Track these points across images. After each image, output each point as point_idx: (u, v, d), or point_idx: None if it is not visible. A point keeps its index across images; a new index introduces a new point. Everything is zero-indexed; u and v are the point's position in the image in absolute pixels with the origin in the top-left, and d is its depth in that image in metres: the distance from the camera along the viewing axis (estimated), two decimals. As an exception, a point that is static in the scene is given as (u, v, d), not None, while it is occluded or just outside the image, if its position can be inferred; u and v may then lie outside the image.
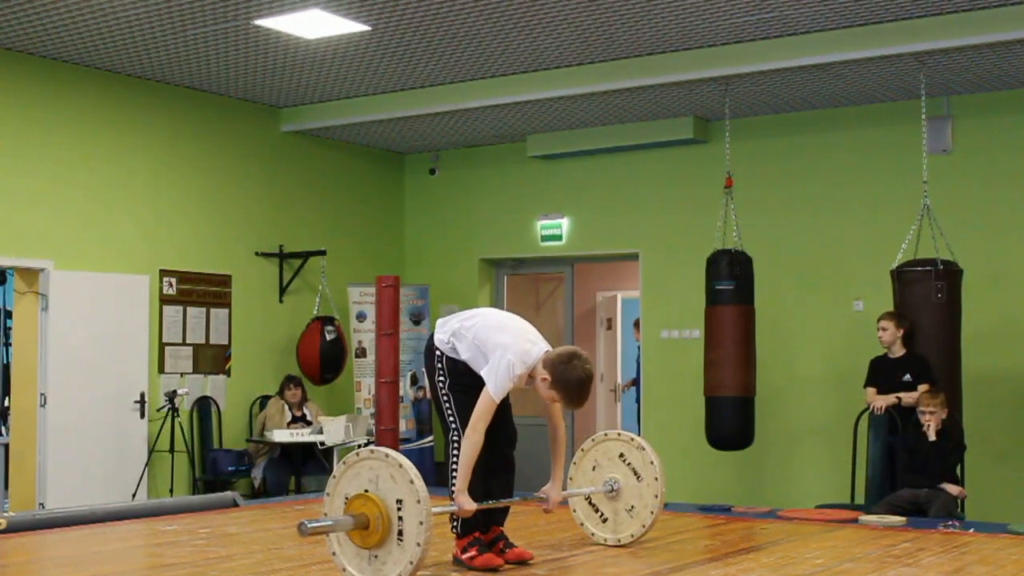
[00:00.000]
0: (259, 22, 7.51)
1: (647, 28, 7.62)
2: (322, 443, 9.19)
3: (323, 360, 9.85)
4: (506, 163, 11.02)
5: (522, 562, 4.50)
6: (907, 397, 7.28)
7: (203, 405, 9.48)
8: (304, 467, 9.46)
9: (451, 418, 4.50)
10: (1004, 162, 8.77)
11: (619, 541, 5.05)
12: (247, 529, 5.49)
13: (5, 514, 5.37)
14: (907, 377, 7.40)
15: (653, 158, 10.20)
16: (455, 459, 4.40)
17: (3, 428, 9.38)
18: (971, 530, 5.34)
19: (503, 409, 4.52)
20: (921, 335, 7.55)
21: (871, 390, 7.58)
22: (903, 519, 5.67)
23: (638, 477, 5.04)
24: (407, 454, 9.34)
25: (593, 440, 5.22)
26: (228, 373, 9.72)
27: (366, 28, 7.61)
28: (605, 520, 5.12)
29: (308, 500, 6.80)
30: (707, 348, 8.42)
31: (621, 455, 5.10)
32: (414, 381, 10.49)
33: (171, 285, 9.29)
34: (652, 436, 10.14)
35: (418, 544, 3.90)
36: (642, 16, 7.38)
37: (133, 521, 5.61)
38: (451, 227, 11.24)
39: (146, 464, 8.73)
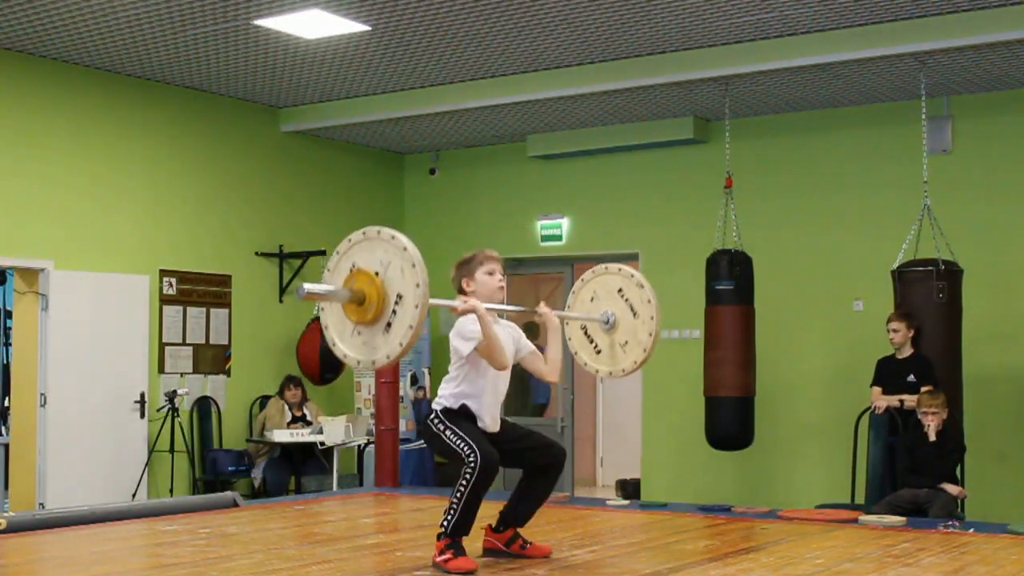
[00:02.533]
0: (259, 22, 7.51)
1: (647, 28, 7.62)
2: (322, 443, 9.19)
3: (323, 360, 9.85)
4: (506, 163, 11.02)
5: (544, 556, 4.54)
6: (909, 400, 7.28)
7: (203, 405, 9.48)
8: (304, 467, 9.46)
9: (461, 443, 4.32)
10: (1004, 162, 8.77)
11: (611, 374, 5.10)
12: (247, 529, 5.49)
13: (5, 514, 5.37)
14: (911, 378, 7.40)
15: (653, 158, 10.20)
16: (464, 482, 4.27)
17: (3, 428, 9.38)
18: (971, 530, 5.34)
19: (525, 437, 4.58)
20: (922, 335, 7.55)
21: (876, 390, 7.58)
22: (903, 519, 5.66)
23: (635, 313, 5.03)
24: (406, 455, 9.37)
25: (593, 272, 5.21)
26: (228, 373, 9.72)
27: (366, 28, 7.61)
28: (599, 352, 5.13)
29: (308, 500, 6.80)
30: (707, 348, 8.42)
31: (620, 290, 5.09)
32: (414, 381, 10.49)
33: (171, 285, 9.29)
34: (652, 436, 10.16)
35: (410, 327, 3.93)
36: (642, 16, 7.38)
37: (133, 521, 5.60)
38: (451, 227, 11.23)
39: (146, 464, 8.73)
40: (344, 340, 4.13)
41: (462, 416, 4.40)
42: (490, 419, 4.47)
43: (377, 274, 4.03)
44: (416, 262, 3.98)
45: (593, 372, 5.24)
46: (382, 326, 4.02)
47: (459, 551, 4.28)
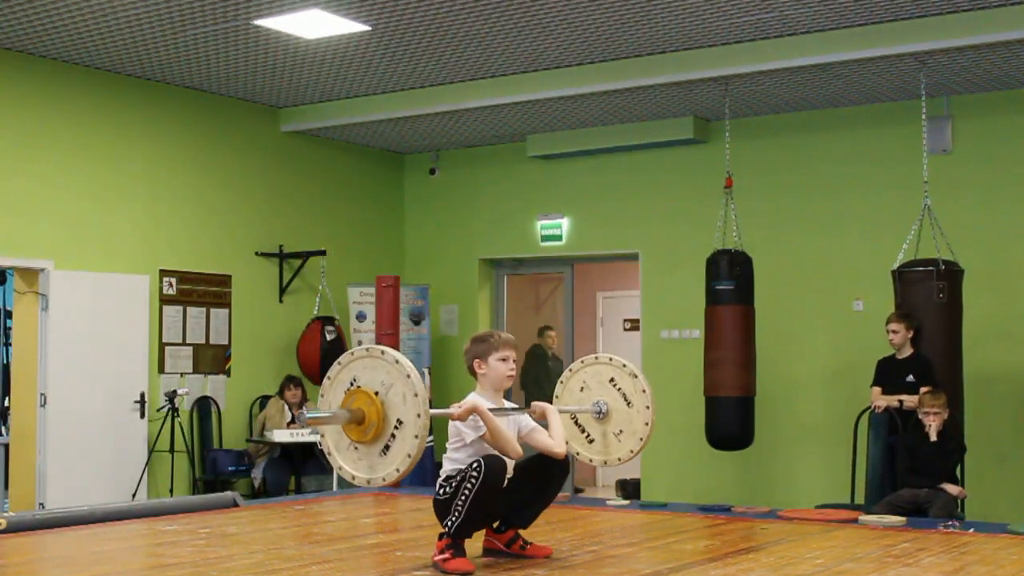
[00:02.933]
0: (259, 22, 7.51)
1: (647, 28, 7.62)
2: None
3: (323, 360, 9.84)
4: (506, 163, 11.02)
5: (545, 557, 4.53)
6: (909, 400, 7.28)
7: (203, 405, 9.48)
8: (304, 467, 9.46)
9: (459, 474, 4.32)
10: (1004, 162, 8.77)
11: (605, 463, 5.16)
12: (247, 529, 5.48)
13: (5, 514, 5.36)
14: (910, 378, 7.41)
15: (653, 158, 10.20)
16: (469, 486, 4.24)
17: (3, 428, 9.38)
18: (971, 530, 5.34)
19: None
20: (922, 336, 7.55)
21: (876, 390, 7.59)
22: (903, 519, 5.66)
23: (628, 403, 5.06)
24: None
25: (583, 362, 5.23)
26: (228, 373, 9.72)
27: (366, 28, 7.61)
28: (592, 441, 5.16)
29: (308, 500, 6.80)
30: (707, 348, 8.42)
31: (612, 380, 5.12)
32: (414, 381, 10.47)
33: (171, 285, 9.29)
34: (652, 436, 10.13)
35: (408, 455, 3.98)
36: (642, 16, 7.38)
37: (133, 521, 5.60)
38: (451, 227, 11.24)
39: (146, 464, 8.73)
40: (340, 453, 4.19)
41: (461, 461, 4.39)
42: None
43: (377, 394, 4.08)
44: (419, 391, 4.01)
45: (587, 461, 5.26)
46: (379, 448, 4.07)
47: (459, 552, 4.28)
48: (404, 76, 8.85)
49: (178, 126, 9.36)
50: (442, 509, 4.35)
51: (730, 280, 8.27)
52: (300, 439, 9.18)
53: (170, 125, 9.30)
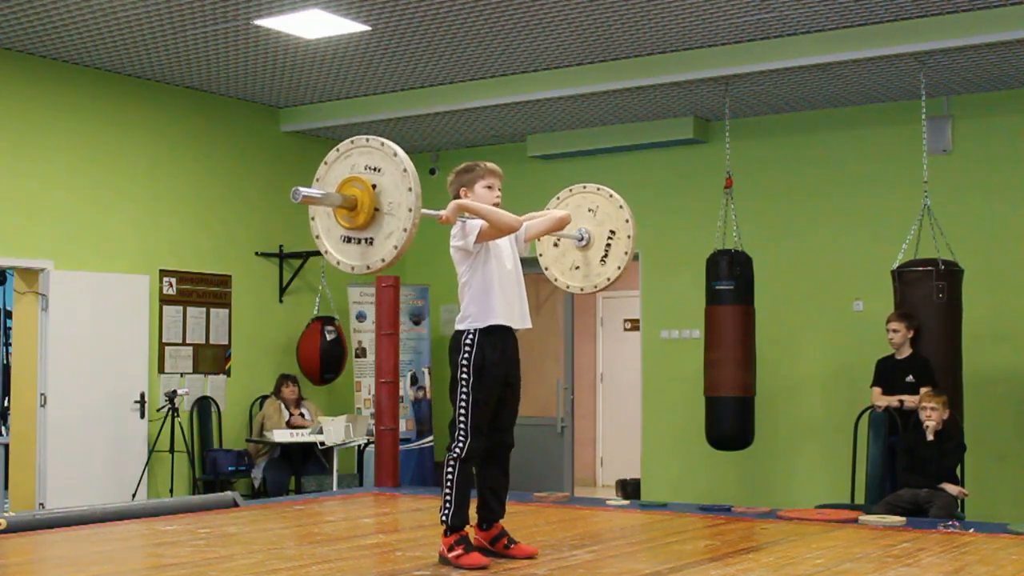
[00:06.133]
0: (259, 22, 7.51)
1: (647, 28, 7.62)
2: (322, 443, 9.19)
3: (323, 360, 9.86)
4: (506, 163, 10.88)
5: (529, 557, 4.49)
6: (909, 400, 7.28)
7: (203, 405, 9.48)
8: (304, 467, 9.45)
9: (463, 420, 4.33)
10: (1004, 162, 8.77)
11: (582, 290, 5.22)
12: (247, 529, 5.48)
13: (5, 514, 5.36)
14: (910, 378, 7.41)
15: (653, 158, 10.20)
16: (450, 471, 4.32)
17: (3, 428, 9.38)
18: (971, 530, 5.34)
19: (509, 404, 4.50)
20: (922, 335, 7.55)
21: (876, 390, 7.59)
22: (903, 519, 5.66)
23: (611, 231, 5.13)
24: (406, 455, 9.38)
25: (571, 191, 5.30)
26: (228, 373, 9.72)
27: (366, 28, 7.61)
28: (576, 268, 5.20)
29: (308, 500, 6.80)
30: (707, 348, 8.41)
31: (590, 210, 5.19)
32: (414, 381, 10.49)
33: (171, 285, 9.30)
34: (652, 436, 10.15)
35: (409, 210, 4.01)
36: (642, 16, 7.38)
37: (133, 521, 5.60)
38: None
39: (146, 464, 8.73)
40: (337, 248, 4.22)
41: (486, 372, 4.33)
42: (519, 314, 4.44)
43: (369, 181, 4.12)
44: (407, 167, 4.05)
45: (564, 288, 5.32)
46: (379, 224, 4.09)
47: (469, 546, 4.26)
48: (404, 76, 8.85)
49: (178, 126, 9.36)
50: (455, 363, 4.36)
51: (730, 280, 8.27)
52: (300, 439, 9.18)
53: (170, 125, 9.30)
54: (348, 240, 4.17)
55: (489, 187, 4.44)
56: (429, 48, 8.08)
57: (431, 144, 11.04)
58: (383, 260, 4.08)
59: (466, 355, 4.36)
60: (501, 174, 4.49)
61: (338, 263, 4.22)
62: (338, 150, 4.25)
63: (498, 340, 4.40)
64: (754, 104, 9.32)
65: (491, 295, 4.37)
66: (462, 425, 4.34)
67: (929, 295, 7.57)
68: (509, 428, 4.54)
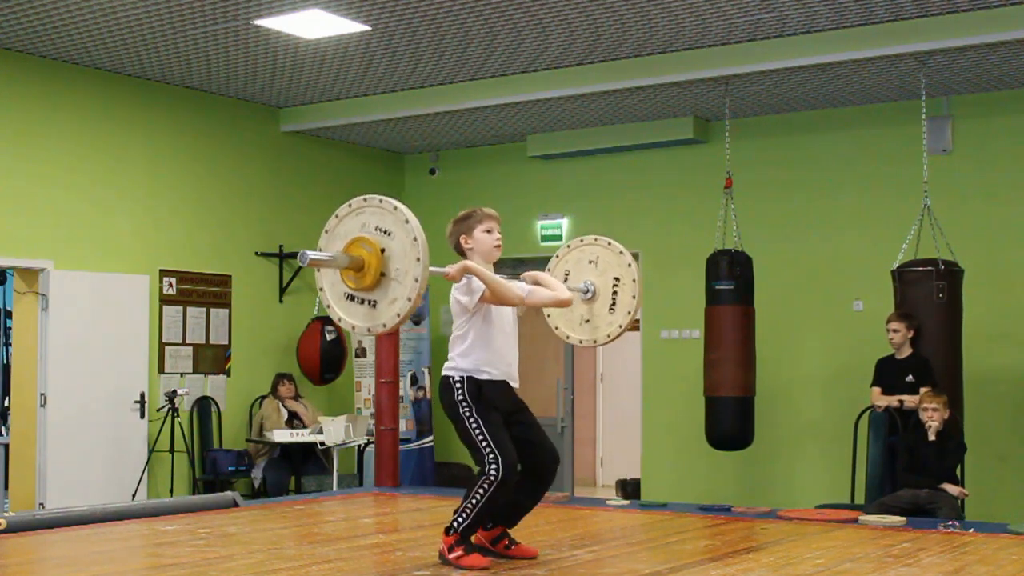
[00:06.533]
0: (259, 22, 7.51)
1: (647, 28, 7.62)
2: (322, 443, 9.19)
3: (323, 360, 9.86)
4: (506, 163, 11.01)
5: (529, 558, 4.47)
6: (909, 400, 7.28)
7: (203, 405, 9.48)
8: (304, 467, 9.45)
9: (485, 443, 4.27)
10: (1004, 162, 8.77)
11: (595, 342, 5.16)
12: (247, 529, 5.48)
13: (5, 514, 5.36)
14: (910, 378, 7.41)
15: (653, 158, 10.20)
16: (483, 489, 4.23)
17: (3, 428, 9.38)
18: (971, 530, 5.34)
19: (528, 423, 4.51)
20: (922, 335, 7.55)
21: (876, 390, 7.59)
22: (903, 519, 5.66)
23: (616, 279, 5.09)
24: (406, 455, 9.37)
25: (568, 247, 5.30)
26: (228, 373, 9.72)
27: (366, 28, 7.61)
28: (587, 322, 5.17)
29: (308, 500, 6.80)
30: (707, 348, 8.41)
31: (591, 262, 5.18)
32: (414, 381, 10.49)
33: (171, 285, 9.30)
34: (652, 436, 10.16)
35: (415, 280, 4.04)
36: (642, 16, 7.38)
37: (133, 521, 5.60)
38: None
39: (146, 464, 8.73)
40: (340, 305, 4.22)
41: (484, 398, 4.33)
42: (508, 368, 4.43)
43: (383, 251, 4.11)
44: (417, 235, 4.06)
45: (576, 343, 5.29)
46: (385, 288, 4.10)
47: (470, 547, 4.26)
48: (404, 76, 8.85)
49: (178, 126, 9.36)
50: (454, 418, 4.33)
51: (730, 280, 8.27)
52: (300, 439, 9.18)
53: (170, 125, 9.30)
54: (352, 299, 4.19)
55: (488, 231, 4.48)
56: (429, 48, 8.08)
57: (431, 144, 11.04)
58: (384, 325, 4.11)
59: (459, 390, 4.35)
60: (499, 218, 4.54)
61: (340, 319, 4.24)
62: (350, 205, 4.22)
63: (491, 386, 4.40)
64: (754, 104, 9.32)
65: (487, 352, 4.38)
66: (486, 446, 4.26)
67: (929, 295, 7.57)
68: (543, 442, 4.52)
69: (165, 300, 9.25)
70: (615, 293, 5.11)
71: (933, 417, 6.85)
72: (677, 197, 10.09)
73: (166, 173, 9.31)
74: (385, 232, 4.13)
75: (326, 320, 9.96)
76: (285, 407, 9.54)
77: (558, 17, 7.40)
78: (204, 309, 9.55)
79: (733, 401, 8.26)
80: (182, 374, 9.33)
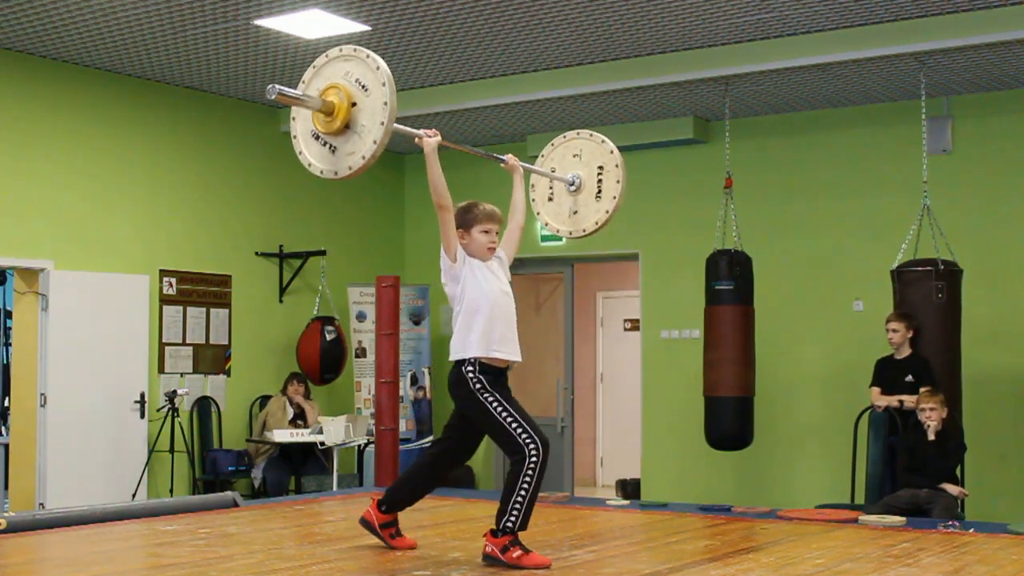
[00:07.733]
0: (259, 22, 7.51)
1: (647, 28, 7.62)
2: (322, 443, 9.19)
3: (323, 360, 9.86)
4: (506, 163, 10.99)
5: (409, 548, 4.60)
6: (909, 400, 7.28)
7: (203, 405, 9.48)
8: (304, 467, 9.46)
9: (515, 424, 4.20)
10: (1004, 162, 8.77)
11: (571, 234, 5.22)
12: (247, 529, 5.48)
13: (5, 514, 5.36)
14: (909, 378, 7.41)
15: (653, 158, 10.20)
16: (528, 476, 4.17)
17: (3, 428, 9.38)
18: (971, 530, 5.34)
19: (471, 430, 4.50)
20: (921, 335, 7.55)
21: (875, 390, 7.59)
22: (903, 519, 5.66)
23: (600, 168, 5.13)
24: (406, 455, 9.36)
25: (552, 145, 5.32)
26: (228, 373, 9.72)
27: (366, 28, 7.61)
28: (575, 213, 5.22)
29: (308, 500, 6.80)
30: (707, 348, 8.41)
31: (575, 155, 5.22)
32: (414, 381, 10.49)
33: (171, 285, 9.30)
34: (652, 436, 10.16)
35: (374, 142, 4.10)
36: (642, 16, 7.38)
37: (133, 521, 5.60)
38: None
39: (146, 464, 8.73)
40: (305, 141, 4.32)
41: (500, 380, 4.33)
42: (513, 343, 4.43)
43: (351, 97, 4.19)
44: (386, 80, 4.12)
45: (554, 231, 5.34)
46: (347, 138, 4.19)
47: (524, 546, 4.22)
48: (404, 76, 8.85)
49: (178, 126, 9.36)
50: (476, 410, 4.31)
51: (730, 280, 8.27)
52: (300, 439, 9.18)
53: (170, 125, 9.30)
54: (317, 138, 4.29)
55: (486, 231, 4.54)
56: (429, 48, 8.09)
57: (431, 144, 11.02)
58: (336, 173, 4.24)
59: (473, 379, 4.32)
60: (499, 218, 4.58)
61: (300, 153, 4.34)
62: (340, 50, 4.30)
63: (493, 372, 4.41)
64: (754, 104, 9.32)
65: (495, 336, 4.38)
66: (520, 431, 4.20)
67: (929, 295, 7.57)
68: (460, 459, 4.65)
69: (165, 300, 9.25)
70: (600, 181, 5.17)
71: (931, 417, 6.85)
72: (677, 197, 10.10)
73: (166, 173, 9.31)
74: (363, 87, 4.19)
75: (326, 320, 9.97)
76: (292, 404, 9.54)
77: (558, 17, 7.40)
78: (204, 309, 9.55)
79: (733, 401, 8.26)
80: (182, 374, 9.33)
